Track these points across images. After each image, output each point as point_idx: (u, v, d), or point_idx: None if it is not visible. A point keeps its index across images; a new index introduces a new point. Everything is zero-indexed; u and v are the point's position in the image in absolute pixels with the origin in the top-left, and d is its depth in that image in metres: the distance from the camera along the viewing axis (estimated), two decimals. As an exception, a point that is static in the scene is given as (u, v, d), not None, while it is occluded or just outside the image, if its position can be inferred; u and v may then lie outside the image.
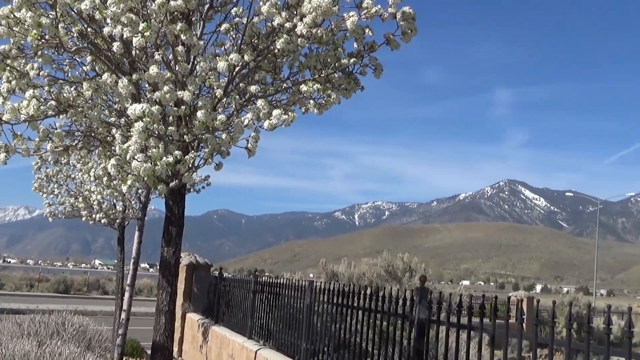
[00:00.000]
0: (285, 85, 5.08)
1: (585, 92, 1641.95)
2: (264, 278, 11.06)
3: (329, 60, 4.85)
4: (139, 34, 4.37)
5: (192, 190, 10.80)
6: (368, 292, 6.88)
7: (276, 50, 4.66)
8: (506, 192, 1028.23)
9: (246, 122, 4.64)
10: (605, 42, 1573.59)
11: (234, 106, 4.93)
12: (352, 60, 4.84)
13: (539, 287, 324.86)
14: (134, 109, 4.35)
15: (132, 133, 4.39)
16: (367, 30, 4.73)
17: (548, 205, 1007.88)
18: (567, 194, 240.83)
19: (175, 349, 15.21)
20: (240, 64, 4.68)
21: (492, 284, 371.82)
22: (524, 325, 4.75)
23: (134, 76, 4.70)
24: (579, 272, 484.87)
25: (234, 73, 4.80)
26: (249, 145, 4.84)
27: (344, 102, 5.14)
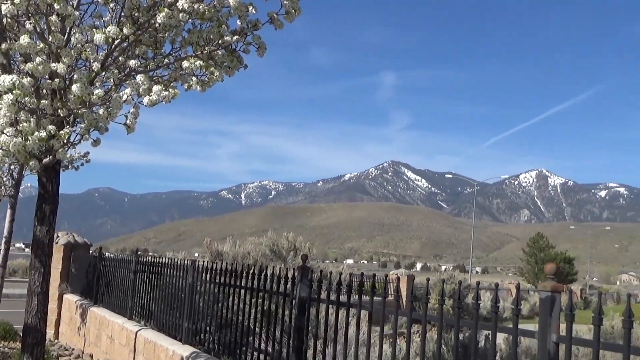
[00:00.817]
0: (167, 60, 4.95)
1: (464, 79, 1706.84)
2: (146, 258, 10.84)
3: (212, 37, 4.77)
4: (9, 1, 4.14)
5: (70, 167, 10.36)
6: (251, 271, 6.90)
7: (157, 25, 4.53)
8: (390, 173, 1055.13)
9: (125, 97, 4.49)
10: (484, 32, 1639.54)
11: (112, 81, 4.75)
12: (235, 38, 4.78)
13: (419, 266, 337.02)
14: (3, 80, 4.11)
15: (0, 106, 4.15)
16: (250, 8, 4.68)
17: (429, 186, 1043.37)
18: (447, 175, 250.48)
19: (52, 331, 14.67)
20: (119, 37, 4.52)
21: (375, 262, 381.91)
22: (403, 302, 4.91)
23: (4, 45, 4.44)
24: (456, 250, 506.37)
25: (113, 46, 4.63)
26: (128, 121, 4.69)
27: (232, 81, 5.08)
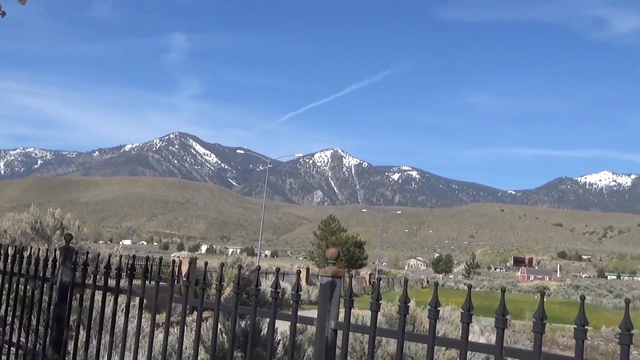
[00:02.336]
0: None
1: (261, 47, 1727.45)
2: None
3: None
4: None
5: None
6: (5, 251, 6.52)
7: None
8: (176, 146, 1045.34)
9: None
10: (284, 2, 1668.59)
11: None
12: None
13: (204, 248, 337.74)
14: None
15: None
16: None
17: (219, 162, 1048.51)
18: (238, 151, 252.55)
19: None
20: None
21: (156, 243, 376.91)
22: (182, 287, 4.90)
23: None
24: (245, 232, 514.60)
25: None
26: None
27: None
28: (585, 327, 2.81)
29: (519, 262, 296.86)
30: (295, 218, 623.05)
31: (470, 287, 3.13)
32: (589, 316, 2.64)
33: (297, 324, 3.93)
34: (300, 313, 3.92)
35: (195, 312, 4.67)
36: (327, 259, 3.78)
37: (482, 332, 18.67)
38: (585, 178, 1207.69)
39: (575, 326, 2.85)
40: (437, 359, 11.17)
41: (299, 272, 3.92)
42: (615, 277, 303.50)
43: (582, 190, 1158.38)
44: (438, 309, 3.21)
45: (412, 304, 11.58)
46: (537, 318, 2.95)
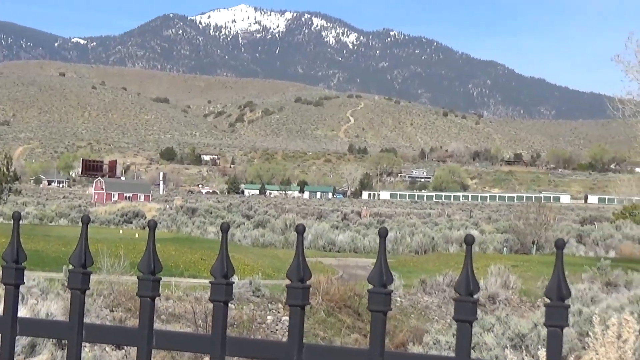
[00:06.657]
0: None
1: None
2: None
3: None
4: None
5: None
6: None
7: None
8: None
9: None
10: None
11: None
12: None
13: None
14: None
15: None
16: None
17: None
18: None
19: None
20: None
21: None
22: None
23: None
24: None
25: None
26: None
27: None
28: (157, 278, 2.98)
29: (93, 169, 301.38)
30: None
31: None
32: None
33: None
34: None
35: None
36: None
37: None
38: (209, 17, 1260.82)
39: (141, 275, 2.99)
40: None
41: None
42: (258, 191, 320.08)
43: (203, 37, 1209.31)
44: None
45: None
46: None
